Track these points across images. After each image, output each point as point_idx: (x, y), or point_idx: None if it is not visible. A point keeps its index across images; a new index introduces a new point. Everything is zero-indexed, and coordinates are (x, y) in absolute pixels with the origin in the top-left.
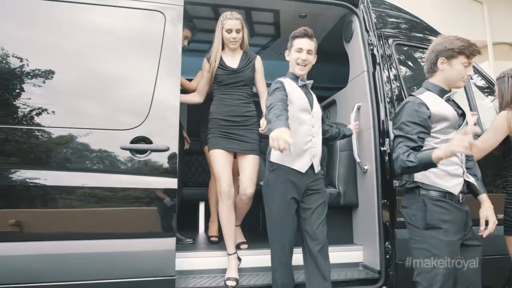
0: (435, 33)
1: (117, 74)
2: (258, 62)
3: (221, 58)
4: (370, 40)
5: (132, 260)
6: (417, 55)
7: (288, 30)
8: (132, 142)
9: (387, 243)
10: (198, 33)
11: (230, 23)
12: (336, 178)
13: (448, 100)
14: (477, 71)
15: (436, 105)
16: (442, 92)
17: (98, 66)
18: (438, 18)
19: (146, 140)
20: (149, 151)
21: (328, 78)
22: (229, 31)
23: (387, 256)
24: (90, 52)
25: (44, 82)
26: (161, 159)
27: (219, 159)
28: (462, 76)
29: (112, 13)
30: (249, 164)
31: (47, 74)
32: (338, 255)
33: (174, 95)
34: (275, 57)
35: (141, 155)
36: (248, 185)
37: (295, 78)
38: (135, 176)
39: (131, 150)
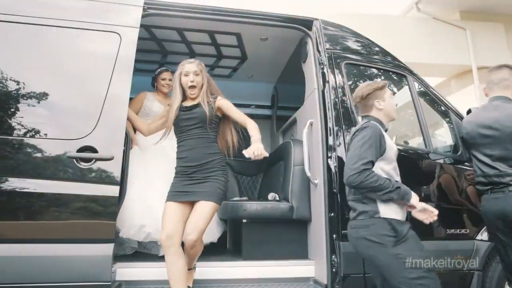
0: (387, 54)
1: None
2: None
3: None
4: (321, 60)
5: (70, 264)
6: (367, 74)
7: (253, 52)
8: (79, 151)
9: (333, 257)
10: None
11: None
12: (289, 193)
13: None
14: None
15: None
16: None
17: (55, 83)
18: (424, 43)
19: (93, 149)
20: (94, 159)
21: (293, 98)
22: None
23: (333, 270)
24: (48, 70)
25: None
26: (106, 167)
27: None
28: None
29: (68, 33)
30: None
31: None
32: (290, 269)
33: (122, 109)
34: (246, 78)
35: (86, 164)
36: (190, 231)
37: (383, 126)
38: (79, 183)
39: (76, 158)
